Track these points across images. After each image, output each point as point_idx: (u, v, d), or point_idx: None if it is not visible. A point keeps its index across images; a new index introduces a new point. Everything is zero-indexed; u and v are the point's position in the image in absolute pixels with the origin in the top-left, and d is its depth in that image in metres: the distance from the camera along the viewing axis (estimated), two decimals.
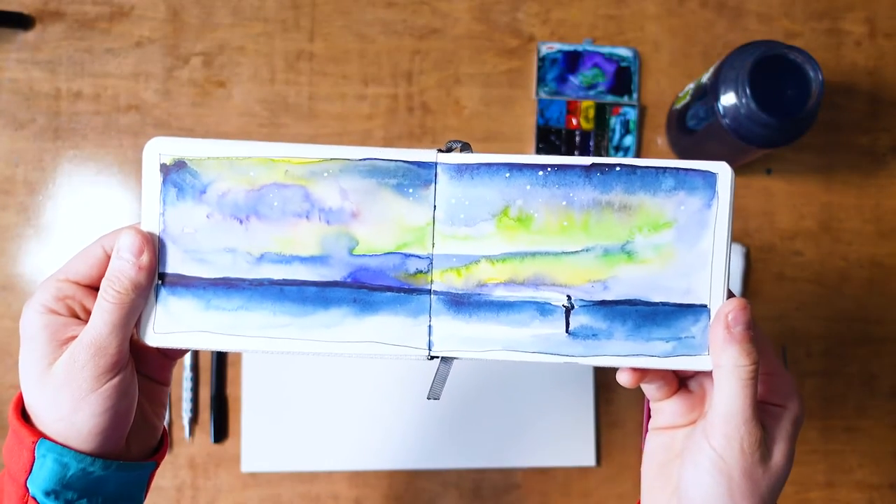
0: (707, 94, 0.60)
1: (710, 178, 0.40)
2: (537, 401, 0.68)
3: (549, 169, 0.40)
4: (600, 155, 0.70)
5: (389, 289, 0.40)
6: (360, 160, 0.40)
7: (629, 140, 0.70)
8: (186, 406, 0.66)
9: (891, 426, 0.70)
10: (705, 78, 0.62)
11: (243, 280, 0.40)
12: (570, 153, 0.70)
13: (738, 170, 0.70)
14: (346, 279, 0.40)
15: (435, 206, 0.40)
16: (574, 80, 0.71)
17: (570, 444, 0.68)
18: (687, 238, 0.40)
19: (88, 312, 0.38)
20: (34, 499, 0.37)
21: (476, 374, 0.67)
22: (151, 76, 0.69)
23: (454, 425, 0.67)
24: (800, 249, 0.71)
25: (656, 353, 0.40)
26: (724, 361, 0.37)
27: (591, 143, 0.70)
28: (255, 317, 0.40)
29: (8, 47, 0.69)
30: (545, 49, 0.71)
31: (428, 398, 0.42)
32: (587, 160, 0.40)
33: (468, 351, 0.40)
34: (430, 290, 0.40)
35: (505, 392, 0.68)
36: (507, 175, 0.40)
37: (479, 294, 0.40)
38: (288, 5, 0.70)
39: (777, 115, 0.56)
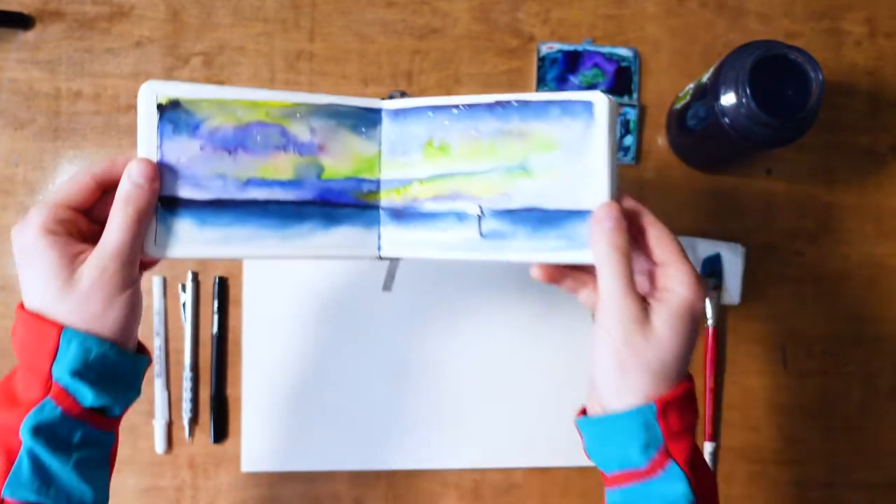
0: (707, 94, 0.60)
1: (588, 106, 0.46)
2: (537, 401, 0.67)
3: (461, 107, 0.48)
4: None
5: (349, 205, 0.49)
6: (325, 105, 0.49)
7: (629, 140, 0.70)
8: (186, 406, 0.66)
9: (891, 426, 0.70)
10: (705, 78, 0.62)
11: (233, 201, 0.47)
12: None
13: (739, 170, 0.70)
14: (316, 198, 0.49)
15: (381, 142, 0.50)
16: (574, 80, 0.71)
17: (570, 444, 0.67)
18: (572, 156, 0.46)
19: (82, 232, 0.44)
20: (57, 383, 0.42)
21: (476, 374, 0.67)
22: (151, 76, 0.69)
23: (454, 425, 0.67)
24: (800, 249, 0.71)
25: (551, 249, 0.46)
26: (599, 252, 0.44)
27: None
28: (244, 231, 0.47)
29: (8, 47, 0.69)
30: (545, 49, 0.71)
31: (382, 290, 0.54)
32: (491, 98, 0.47)
33: (408, 252, 0.50)
34: (379, 206, 0.50)
35: (505, 392, 0.68)
36: (431, 114, 0.49)
37: (414, 207, 0.49)
38: (288, 5, 0.70)
39: (777, 115, 0.56)
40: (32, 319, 0.42)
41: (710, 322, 0.69)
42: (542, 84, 0.70)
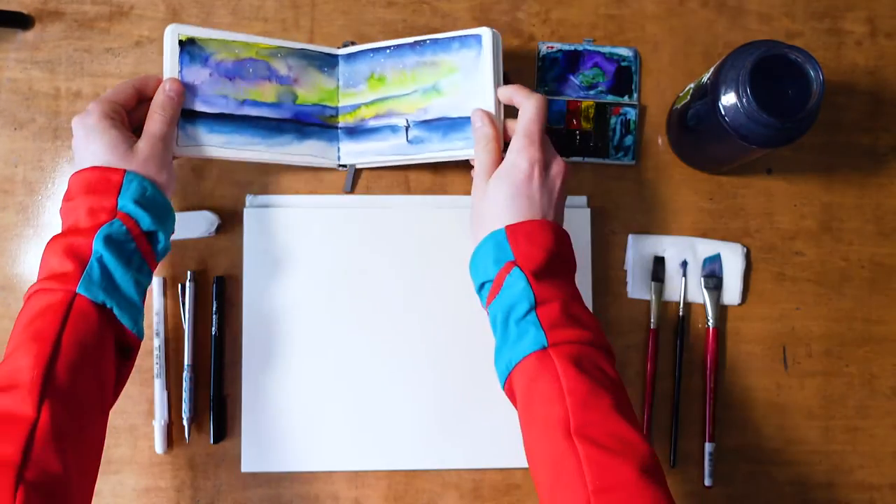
0: (707, 93, 0.60)
1: (478, 38, 0.62)
2: None
3: (392, 48, 0.65)
4: (601, 156, 0.70)
5: (316, 125, 0.67)
6: (298, 49, 0.66)
7: (629, 140, 0.70)
8: (186, 406, 0.66)
9: (891, 426, 0.70)
10: (706, 78, 0.62)
11: (233, 115, 0.64)
12: (570, 153, 0.70)
13: (739, 170, 0.70)
14: (292, 118, 0.66)
15: (338, 79, 0.67)
16: (574, 79, 0.71)
17: None
18: (469, 77, 0.63)
19: (125, 122, 0.59)
20: (122, 210, 0.55)
21: (477, 373, 0.67)
22: None
23: (454, 425, 0.67)
24: (800, 249, 0.71)
25: (458, 148, 0.64)
26: (475, 144, 0.61)
27: (592, 143, 0.70)
28: (241, 138, 0.64)
29: (7, 47, 0.69)
30: (545, 49, 0.71)
31: (343, 192, 0.69)
32: (412, 40, 0.65)
33: (359, 159, 0.67)
34: (338, 126, 0.67)
35: None
36: (371, 55, 0.66)
37: (362, 125, 0.67)
38: (287, 5, 0.70)
39: (777, 115, 0.56)
40: (98, 168, 0.55)
41: (710, 322, 0.69)
42: (542, 84, 0.70)
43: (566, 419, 0.49)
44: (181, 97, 0.61)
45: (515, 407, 0.55)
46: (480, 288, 0.58)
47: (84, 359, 0.50)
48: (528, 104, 0.58)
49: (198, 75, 0.62)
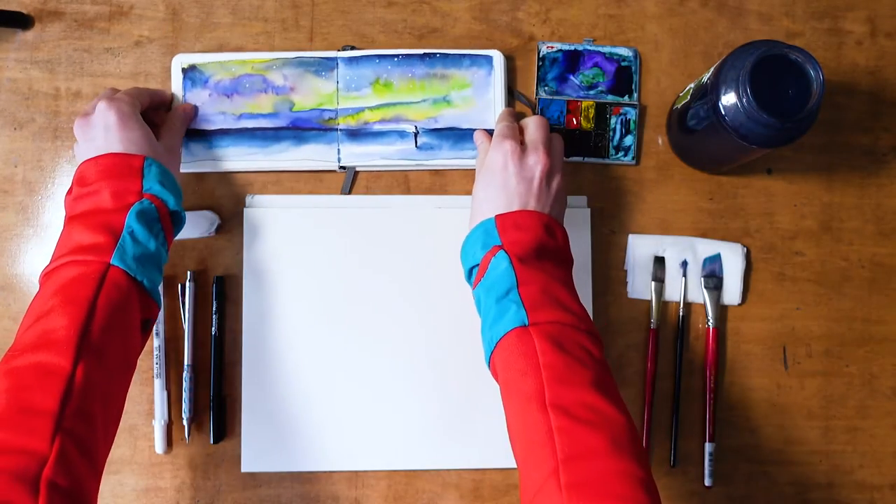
0: (707, 93, 0.60)
1: (489, 59, 0.68)
2: None
3: (400, 57, 0.68)
4: (601, 156, 0.70)
5: (314, 129, 0.68)
6: (294, 58, 0.68)
7: (629, 140, 0.70)
8: (186, 406, 0.66)
9: (891, 426, 0.70)
10: (706, 78, 0.62)
11: (231, 129, 0.68)
12: (570, 153, 0.70)
13: (739, 170, 0.70)
14: (289, 125, 0.68)
15: (338, 82, 0.68)
16: (574, 79, 0.71)
17: None
18: (479, 93, 0.69)
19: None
20: (149, 192, 0.58)
21: (476, 374, 0.67)
22: (151, 76, 0.69)
23: (454, 425, 0.67)
24: (800, 249, 0.70)
25: (468, 157, 0.68)
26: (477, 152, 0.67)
27: (592, 143, 0.70)
28: (239, 150, 0.68)
29: (7, 47, 0.69)
30: (545, 49, 0.70)
31: (341, 193, 0.69)
32: (421, 51, 0.68)
33: (362, 161, 0.68)
34: (338, 128, 0.68)
35: None
36: (377, 61, 0.69)
37: (365, 128, 0.68)
38: (287, 5, 0.70)
39: (777, 115, 0.56)
40: (118, 155, 0.58)
41: (710, 322, 0.69)
42: (542, 83, 0.70)
43: (541, 392, 0.50)
44: (192, 118, 0.68)
45: (498, 383, 0.56)
46: (469, 274, 0.60)
47: (115, 324, 0.53)
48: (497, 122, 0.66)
49: (199, 97, 0.68)
